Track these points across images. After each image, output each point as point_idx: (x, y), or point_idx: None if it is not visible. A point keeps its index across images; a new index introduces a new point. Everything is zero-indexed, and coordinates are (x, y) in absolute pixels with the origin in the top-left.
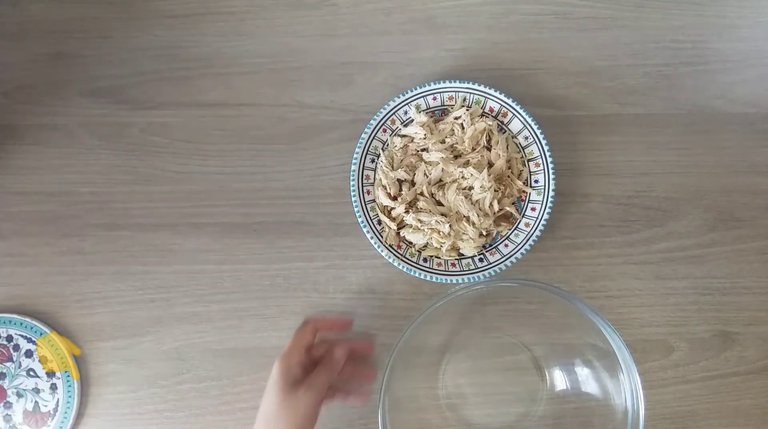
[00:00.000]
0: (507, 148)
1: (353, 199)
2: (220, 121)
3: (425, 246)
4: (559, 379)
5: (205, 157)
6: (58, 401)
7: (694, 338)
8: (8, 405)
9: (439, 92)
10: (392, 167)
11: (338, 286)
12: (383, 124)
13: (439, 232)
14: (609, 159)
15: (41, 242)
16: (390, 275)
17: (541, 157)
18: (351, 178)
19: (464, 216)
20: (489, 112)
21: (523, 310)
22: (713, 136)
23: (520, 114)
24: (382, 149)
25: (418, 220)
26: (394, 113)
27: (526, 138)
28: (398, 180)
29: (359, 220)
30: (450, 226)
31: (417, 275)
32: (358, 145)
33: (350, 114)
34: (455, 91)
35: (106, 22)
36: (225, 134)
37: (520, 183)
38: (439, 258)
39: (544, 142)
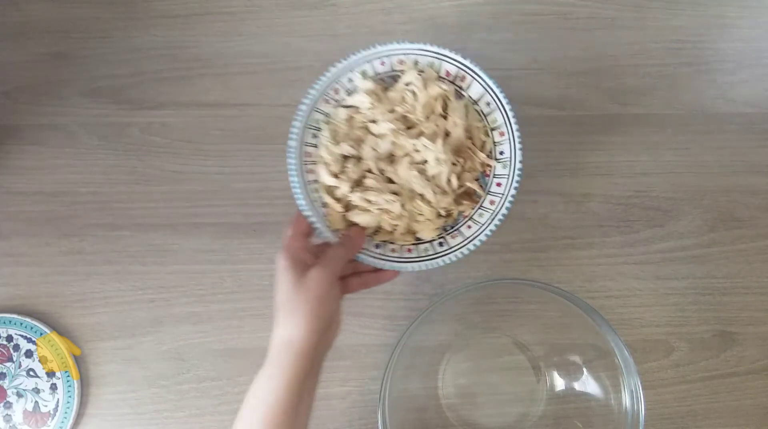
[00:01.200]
0: (466, 115)
1: (291, 178)
2: (220, 121)
3: (377, 230)
4: (559, 380)
5: (205, 157)
6: (58, 401)
7: (694, 338)
8: (8, 405)
9: (387, 56)
10: (336, 142)
11: None
12: (324, 95)
13: (389, 212)
14: (609, 159)
15: (41, 242)
16: None
17: (506, 125)
18: (288, 155)
19: (419, 194)
20: (445, 77)
21: (523, 310)
22: (713, 136)
23: (479, 77)
24: (324, 122)
25: (366, 199)
26: (336, 82)
27: (488, 104)
28: (343, 156)
29: (299, 202)
30: (402, 205)
31: (367, 261)
32: (296, 118)
33: None
34: (405, 53)
35: (106, 22)
36: (225, 134)
37: (482, 155)
38: (393, 243)
39: (507, 107)
